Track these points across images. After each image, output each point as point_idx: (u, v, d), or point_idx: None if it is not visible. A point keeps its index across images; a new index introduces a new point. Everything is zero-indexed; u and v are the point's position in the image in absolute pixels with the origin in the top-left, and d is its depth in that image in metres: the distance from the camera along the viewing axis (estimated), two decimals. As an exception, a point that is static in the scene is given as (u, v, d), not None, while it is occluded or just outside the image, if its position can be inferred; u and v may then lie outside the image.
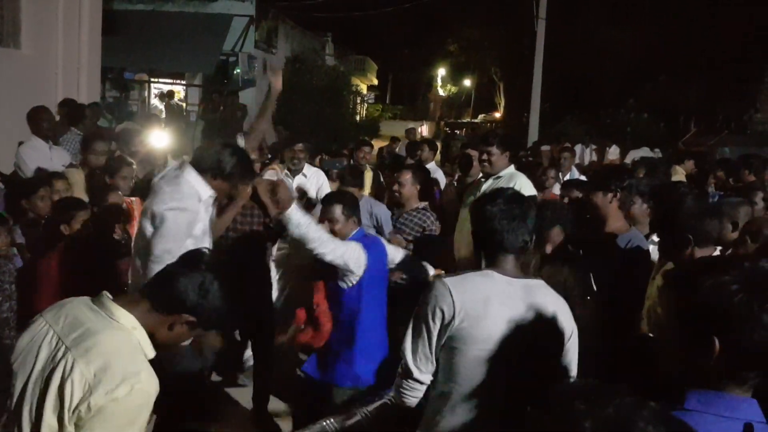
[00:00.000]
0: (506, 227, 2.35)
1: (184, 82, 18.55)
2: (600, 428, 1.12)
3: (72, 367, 1.75)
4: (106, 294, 1.92)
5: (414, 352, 2.38)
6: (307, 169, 5.89)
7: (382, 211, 5.08)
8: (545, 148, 13.22)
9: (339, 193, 4.17)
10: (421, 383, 2.40)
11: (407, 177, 5.01)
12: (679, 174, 8.04)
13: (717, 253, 3.01)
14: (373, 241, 3.78)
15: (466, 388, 2.31)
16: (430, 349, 2.34)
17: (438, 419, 2.37)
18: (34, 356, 1.84)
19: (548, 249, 3.41)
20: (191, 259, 2.01)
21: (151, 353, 1.90)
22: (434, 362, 2.36)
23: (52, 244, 3.96)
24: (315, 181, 5.85)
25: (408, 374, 2.40)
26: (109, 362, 1.76)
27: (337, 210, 3.65)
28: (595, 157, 14.42)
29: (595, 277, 3.42)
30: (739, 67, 22.28)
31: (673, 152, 15.47)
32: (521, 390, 2.24)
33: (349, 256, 3.43)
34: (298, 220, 3.37)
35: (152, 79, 18.16)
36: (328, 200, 3.77)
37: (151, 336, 1.91)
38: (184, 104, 17.87)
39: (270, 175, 5.09)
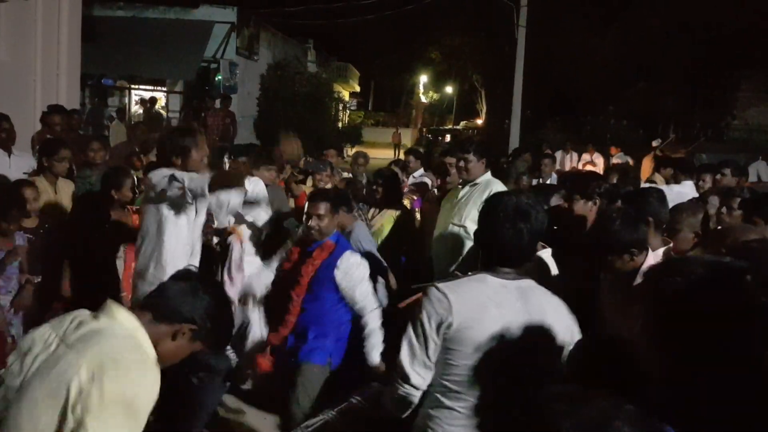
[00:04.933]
0: (511, 240, 2.36)
1: (164, 88, 18.48)
2: (578, 428, 1.17)
3: (73, 366, 1.76)
4: (110, 300, 1.96)
5: (412, 358, 2.35)
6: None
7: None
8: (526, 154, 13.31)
9: (324, 190, 4.27)
10: (417, 389, 2.38)
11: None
12: (658, 181, 8.12)
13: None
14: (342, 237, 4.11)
15: (464, 390, 2.32)
16: (429, 354, 2.33)
17: (435, 421, 2.38)
18: (33, 357, 1.85)
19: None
20: (186, 273, 2.12)
21: (154, 354, 1.92)
22: (432, 367, 2.35)
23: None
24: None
25: (405, 380, 2.37)
26: (110, 359, 1.77)
27: (324, 207, 3.86)
28: (575, 163, 14.54)
29: (576, 281, 3.49)
30: (716, 75, 22.60)
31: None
32: (519, 390, 2.24)
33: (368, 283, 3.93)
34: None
35: (132, 86, 18.06)
36: (315, 197, 3.98)
37: (154, 347, 1.93)
38: (164, 112, 17.78)
39: None
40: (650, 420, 1.25)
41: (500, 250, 2.38)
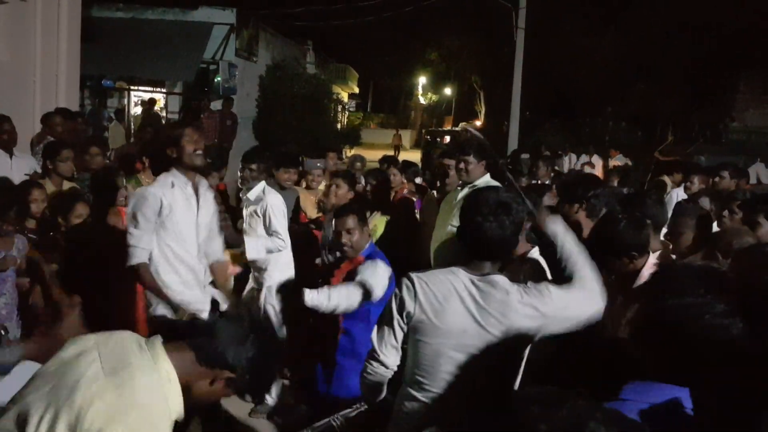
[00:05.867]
0: (488, 235, 2.40)
1: (164, 90, 18.47)
2: (554, 430, 1.17)
3: (102, 393, 1.72)
4: (159, 337, 1.96)
5: (380, 338, 2.53)
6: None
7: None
8: (525, 156, 13.35)
9: (350, 204, 4.21)
10: (386, 367, 2.54)
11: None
12: (668, 184, 8.15)
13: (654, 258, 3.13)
14: (379, 253, 4.00)
15: (430, 380, 2.41)
16: (395, 337, 2.50)
17: (405, 409, 2.49)
18: (76, 370, 1.80)
19: None
20: (239, 318, 2.07)
21: (178, 412, 1.87)
22: (399, 350, 2.51)
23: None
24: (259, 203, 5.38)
25: (374, 357, 2.55)
26: (139, 402, 1.75)
27: (352, 221, 3.80)
28: (573, 165, 14.57)
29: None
30: (715, 77, 22.63)
31: (650, 161, 15.65)
32: (482, 382, 2.36)
33: (377, 293, 3.70)
34: (316, 304, 3.62)
35: (131, 87, 18.06)
36: (341, 212, 3.94)
37: (187, 388, 1.90)
38: (163, 113, 17.77)
39: None
40: (627, 420, 1.26)
41: (484, 242, 2.42)
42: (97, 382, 1.74)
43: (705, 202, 5.02)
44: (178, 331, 3.96)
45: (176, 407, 1.86)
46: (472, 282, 2.39)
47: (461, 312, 2.36)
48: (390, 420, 2.55)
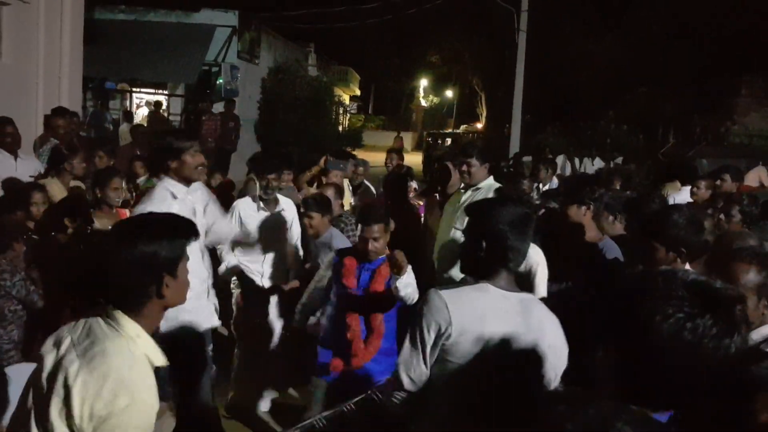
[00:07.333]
0: (516, 247, 2.37)
1: (166, 92, 18.49)
2: (580, 429, 1.17)
3: (77, 374, 1.79)
4: (113, 307, 1.94)
5: (408, 364, 2.37)
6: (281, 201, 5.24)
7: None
8: (527, 158, 13.36)
9: (378, 211, 4.07)
10: (410, 390, 2.42)
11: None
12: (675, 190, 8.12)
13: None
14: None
15: (460, 399, 2.33)
16: (424, 360, 2.34)
17: (426, 427, 2.41)
18: (51, 360, 1.89)
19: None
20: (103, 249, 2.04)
21: (159, 361, 1.93)
22: (427, 373, 2.35)
23: None
24: (290, 215, 5.29)
25: (400, 386, 2.41)
26: (111, 372, 1.80)
27: (378, 229, 3.84)
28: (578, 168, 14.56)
29: (574, 284, 3.50)
30: (716, 80, 22.61)
31: (653, 163, 15.64)
32: (513, 402, 2.26)
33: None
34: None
35: (134, 89, 18.08)
36: (369, 220, 3.87)
37: (164, 307, 1.95)
38: (166, 114, 17.81)
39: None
40: (654, 422, 1.24)
41: (510, 254, 2.37)
42: (73, 366, 1.82)
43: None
44: (185, 347, 3.95)
45: (154, 357, 1.92)
46: (506, 299, 2.34)
47: (499, 332, 2.28)
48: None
